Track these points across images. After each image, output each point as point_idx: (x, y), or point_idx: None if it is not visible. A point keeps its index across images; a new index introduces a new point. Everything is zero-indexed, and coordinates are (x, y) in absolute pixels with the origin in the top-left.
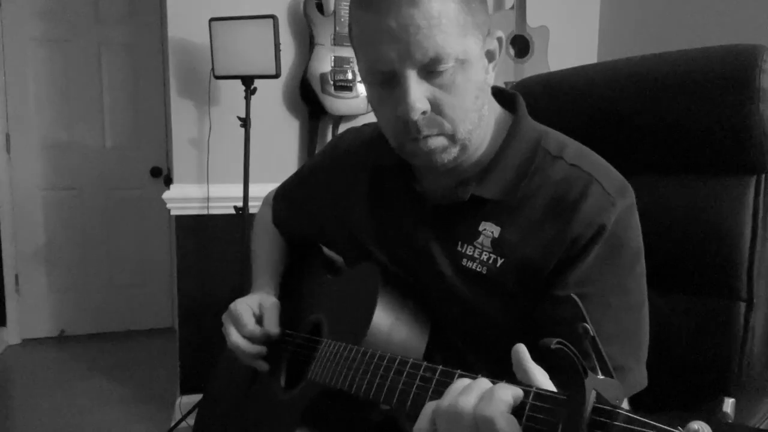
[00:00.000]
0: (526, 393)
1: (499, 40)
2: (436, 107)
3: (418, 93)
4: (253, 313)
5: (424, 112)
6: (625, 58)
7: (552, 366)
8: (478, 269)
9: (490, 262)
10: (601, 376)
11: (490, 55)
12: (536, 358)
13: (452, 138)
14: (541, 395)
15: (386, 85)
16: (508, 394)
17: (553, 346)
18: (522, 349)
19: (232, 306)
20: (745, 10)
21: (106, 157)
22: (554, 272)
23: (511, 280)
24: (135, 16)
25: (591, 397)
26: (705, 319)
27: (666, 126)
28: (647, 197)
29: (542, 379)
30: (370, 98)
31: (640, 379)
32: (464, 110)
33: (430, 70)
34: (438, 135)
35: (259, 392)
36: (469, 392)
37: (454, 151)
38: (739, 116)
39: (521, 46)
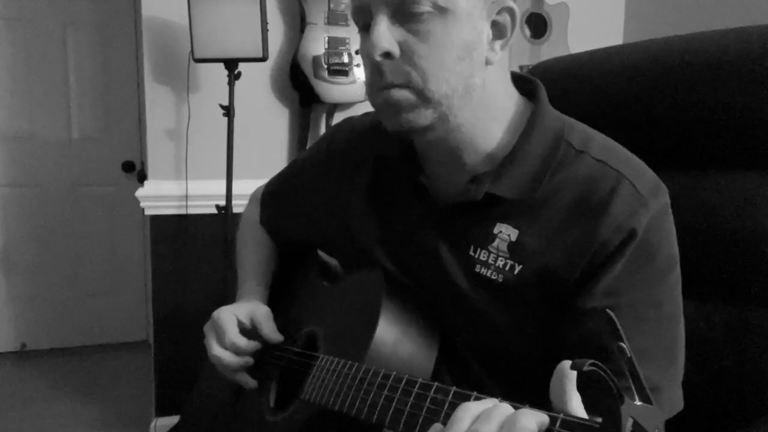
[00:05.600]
0: (553, 420)
1: (510, 11)
2: (405, 54)
3: (386, 33)
4: (238, 322)
5: (389, 54)
6: (655, 39)
7: (583, 389)
8: (493, 277)
9: (507, 269)
10: (638, 402)
11: (496, 28)
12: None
13: (421, 95)
14: (570, 422)
15: (365, 30)
16: (532, 421)
17: (585, 369)
18: (568, 371)
19: (215, 314)
20: None
21: (72, 150)
22: (579, 281)
23: (531, 290)
24: None
25: (628, 426)
26: (743, 331)
27: (699, 116)
28: (679, 196)
29: (577, 407)
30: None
31: (676, 401)
32: (439, 66)
33: (403, 12)
34: (404, 87)
35: (244, 413)
36: (489, 419)
37: (427, 114)
38: None
39: (538, 25)
